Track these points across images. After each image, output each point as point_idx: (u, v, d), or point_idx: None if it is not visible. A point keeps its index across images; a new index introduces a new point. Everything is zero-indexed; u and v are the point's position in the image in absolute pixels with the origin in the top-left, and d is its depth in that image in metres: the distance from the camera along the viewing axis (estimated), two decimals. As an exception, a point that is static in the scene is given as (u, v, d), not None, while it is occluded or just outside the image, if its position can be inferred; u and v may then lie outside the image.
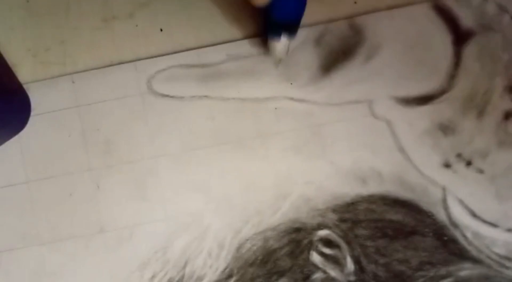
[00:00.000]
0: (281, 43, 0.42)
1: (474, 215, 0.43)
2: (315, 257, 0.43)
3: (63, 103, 0.45)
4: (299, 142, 0.44)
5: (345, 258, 0.43)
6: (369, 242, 0.43)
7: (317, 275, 0.42)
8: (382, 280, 0.42)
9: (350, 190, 0.43)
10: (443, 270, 0.42)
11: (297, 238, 0.43)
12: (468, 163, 0.43)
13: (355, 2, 0.45)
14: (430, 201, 0.43)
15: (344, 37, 0.44)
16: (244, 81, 0.44)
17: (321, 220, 0.43)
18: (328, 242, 0.43)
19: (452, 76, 0.44)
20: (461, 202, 0.43)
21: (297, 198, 0.43)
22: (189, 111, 0.44)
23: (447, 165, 0.43)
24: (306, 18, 0.42)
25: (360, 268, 0.42)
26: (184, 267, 0.43)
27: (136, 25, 0.46)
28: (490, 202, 0.43)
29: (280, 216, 0.43)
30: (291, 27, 0.42)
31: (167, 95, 0.45)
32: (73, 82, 0.45)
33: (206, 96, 0.45)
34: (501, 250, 0.42)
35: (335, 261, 0.43)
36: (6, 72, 0.45)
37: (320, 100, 0.44)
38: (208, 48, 0.45)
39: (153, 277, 0.43)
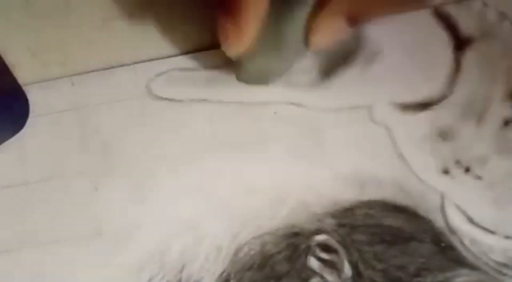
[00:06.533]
0: None
1: (472, 221, 0.43)
2: (313, 262, 0.43)
3: (62, 105, 0.45)
4: (298, 146, 0.44)
5: (342, 263, 0.43)
6: (367, 248, 0.43)
7: (315, 280, 0.42)
8: (379, 285, 0.42)
9: (349, 195, 0.43)
10: (440, 276, 0.42)
11: (295, 243, 0.43)
12: (467, 170, 0.43)
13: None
14: (428, 207, 0.43)
15: (343, 42, 0.44)
16: (244, 85, 0.44)
17: (319, 225, 0.43)
18: (326, 247, 0.43)
19: (452, 82, 0.44)
20: (459, 208, 0.43)
21: (296, 203, 0.43)
22: (188, 115, 0.44)
23: (445, 171, 0.43)
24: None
25: (357, 273, 0.42)
26: (181, 270, 0.43)
27: (136, 26, 0.46)
28: (488, 209, 0.43)
29: (278, 221, 0.43)
30: None
31: (166, 99, 0.45)
32: (72, 84, 0.45)
33: (205, 99, 0.44)
34: (498, 257, 0.42)
35: (333, 266, 0.42)
36: (5, 72, 0.44)
37: (319, 105, 0.44)
38: (208, 51, 0.45)
39: (150, 280, 0.43)
